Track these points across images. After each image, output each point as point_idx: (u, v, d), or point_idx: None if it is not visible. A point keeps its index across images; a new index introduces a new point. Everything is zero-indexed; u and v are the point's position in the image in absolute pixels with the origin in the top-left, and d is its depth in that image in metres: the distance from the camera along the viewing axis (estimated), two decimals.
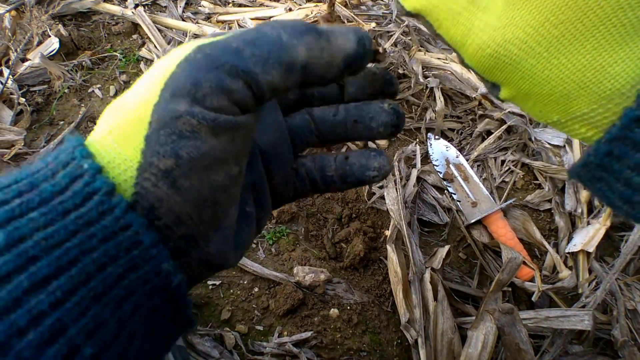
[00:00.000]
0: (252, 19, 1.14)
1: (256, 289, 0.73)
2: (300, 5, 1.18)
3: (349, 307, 0.72)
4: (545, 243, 0.80)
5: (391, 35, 1.09)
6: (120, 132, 0.18)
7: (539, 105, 0.21)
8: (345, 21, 1.06)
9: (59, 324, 0.15)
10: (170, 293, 0.19)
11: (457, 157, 0.91)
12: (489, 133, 0.96)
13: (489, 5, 0.20)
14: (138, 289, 0.17)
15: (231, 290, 0.73)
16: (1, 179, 0.17)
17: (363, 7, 1.12)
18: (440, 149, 0.92)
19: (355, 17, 1.04)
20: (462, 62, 0.23)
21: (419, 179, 0.88)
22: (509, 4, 0.19)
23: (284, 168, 0.27)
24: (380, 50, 0.24)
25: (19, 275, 0.15)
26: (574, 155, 0.90)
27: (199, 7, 1.24)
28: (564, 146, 0.91)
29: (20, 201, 0.16)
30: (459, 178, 0.88)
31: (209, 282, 0.73)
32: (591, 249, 0.77)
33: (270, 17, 1.14)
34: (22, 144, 0.88)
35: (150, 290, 0.18)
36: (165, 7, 1.25)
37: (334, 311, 0.71)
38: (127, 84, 1.07)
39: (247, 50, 0.19)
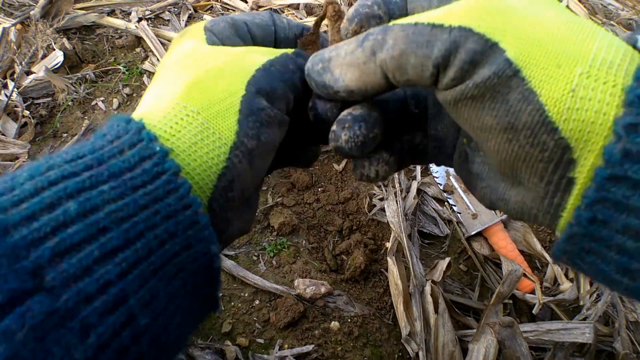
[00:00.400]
0: None
1: (257, 302, 0.73)
2: (301, 19, 1.20)
3: (349, 320, 0.72)
4: (546, 255, 0.80)
5: None
6: (213, 114, 0.21)
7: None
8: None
9: (122, 293, 0.16)
10: (211, 273, 0.20)
11: None
12: None
13: None
14: (187, 267, 0.19)
15: (232, 303, 0.73)
16: (60, 154, 0.18)
17: None
18: None
19: None
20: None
21: (419, 191, 0.89)
22: None
23: (305, 140, 0.31)
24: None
25: (89, 245, 0.15)
26: None
27: (202, 21, 1.26)
28: None
29: (90, 174, 0.17)
30: (459, 190, 0.89)
31: None
32: None
33: None
34: (26, 156, 0.89)
35: (197, 268, 0.19)
36: (168, 20, 1.27)
37: (334, 324, 0.71)
38: (130, 97, 1.09)
39: (297, 73, 0.26)
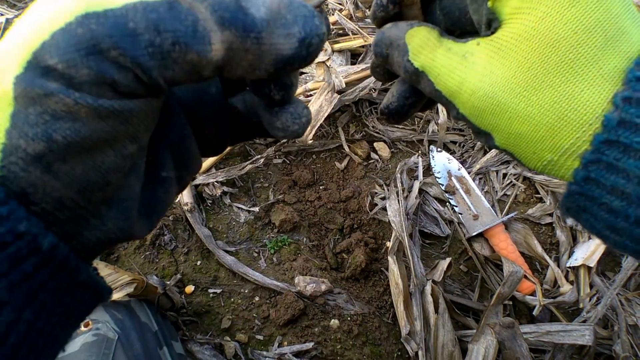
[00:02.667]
0: None
1: (257, 298, 0.73)
2: None
3: (349, 318, 0.72)
4: (547, 257, 0.80)
5: None
6: None
7: (530, 146, 0.21)
8: (351, 33, 1.08)
9: None
10: (42, 257, 0.16)
11: (459, 169, 0.91)
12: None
13: (477, 60, 0.23)
14: (31, 276, 0.16)
15: (232, 299, 0.73)
16: None
17: (367, 20, 1.14)
18: (442, 162, 0.92)
19: (359, 30, 1.06)
20: (455, 116, 0.25)
21: (421, 191, 0.88)
22: (490, 56, 0.22)
23: (213, 113, 0.24)
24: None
25: None
26: None
27: None
28: None
29: None
30: (461, 191, 0.89)
31: (210, 291, 0.73)
32: (592, 263, 0.78)
33: None
34: None
35: (15, 254, 0.16)
36: None
37: (334, 322, 0.71)
38: None
39: (146, 36, 0.15)
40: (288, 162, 0.93)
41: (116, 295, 0.57)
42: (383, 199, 0.87)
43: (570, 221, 0.85)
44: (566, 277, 0.79)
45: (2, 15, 1.17)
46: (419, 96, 0.29)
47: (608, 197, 0.19)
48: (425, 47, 0.25)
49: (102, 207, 0.19)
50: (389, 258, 0.76)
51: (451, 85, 0.24)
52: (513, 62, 0.21)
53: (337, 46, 1.06)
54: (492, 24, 0.23)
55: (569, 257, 0.81)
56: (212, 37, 0.16)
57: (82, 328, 0.50)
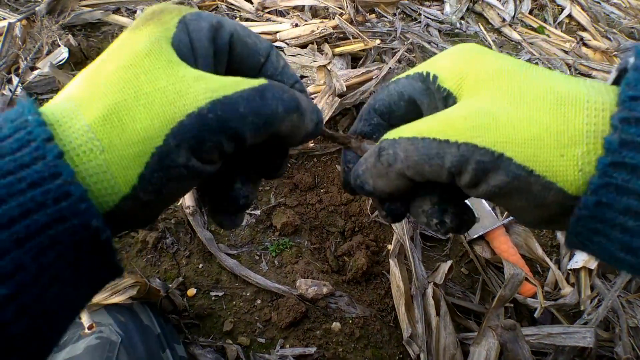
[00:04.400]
0: (258, 33, 1.16)
1: (259, 301, 0.73)
2: (306, 21, 1.20)
3: (351, 321, 0.72)
4: (547, 259, 0.80)
5: (395, 52, 1.11)
6: (116, 158, 0.19)
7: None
8: (351, 37, 1.08)
9: None
10: (97, 245, 0.19)
11: None
12: None
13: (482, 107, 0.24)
14: (64, 240, 0.18)
15: (234, 302, 0.73)
16: None
17: (368, 24, 1.14)
18: None
19: (360, 34, 1.06)
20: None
21: None
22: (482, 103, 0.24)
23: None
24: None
25: None
26: None
27: None
28: None
29: None
30: None
31: (212, 294, 0.73)
32: (593, 266, 0.78)
33: (277, 32, 1.16)
34: None
35: (78, 241, 0.18)
36: None
37: (336, 325, 0.71)
38: None
39: (249, 118, 0.21)
40: (289, 165, 0.94)
41: (119, 299, 0.57)
42: None
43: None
44: (567, 280, 0.79)
45: (4, 19, 1.18)
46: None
47: (621, 218, 0.19)
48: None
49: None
50: (391, 261, 0.76)
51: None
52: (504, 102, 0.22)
53: (337, 50, 1.06)
54: (448, 102, 0.25)
55: (570, 259, 0.81)
56: (284, 117, 0.23)
57: (86, 331, 0.50)
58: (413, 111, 0.28)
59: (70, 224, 0.18)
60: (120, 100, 0.20)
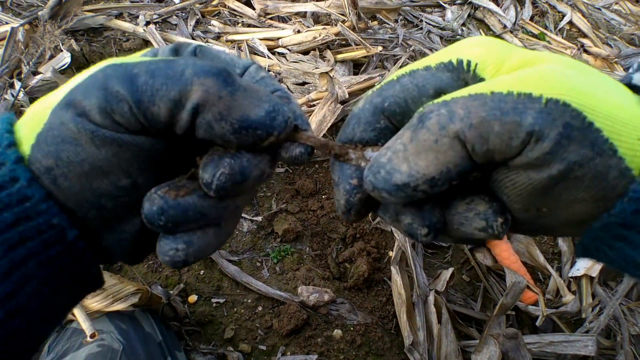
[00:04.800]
0: (260, 39, 1.16)
1: (260, 308, 0.73)
2: (308, 27, 1.21)
3: (352, 328, 0.72)
4: (549, 267, 0.80)
5: (397, 59, 1.11)
6: (28, 123, 0.21)
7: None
8: (353, 44, 1.08)
9: None
10: (66, 246, 0.20)
11: None
12: None
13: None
14: (33, 237, 0.20)
15: (235, 309, 0.73)
16: None
17: (370, 31, 1.15)
18: None
19: (362, 40, 1.07)
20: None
21: None
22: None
23: None
24: (303, 136, 0.23)
25: None
26: None
27: (209, 26, 1.27)
28: None
29: None
30: None
31: (213, 300, 0.73)
32: (594, 273, 0.78)
33: (279, 38, 1.17)
34: None
35: (47, 240, 0.20)
36: (175, 25, 1.27)
37: (337, 332, 0.71)
38: None
39: (142, 78, 0.19)
40: (291, 171, 0.94)
41: (121, 306, 0.57)
42: None
43: None
44: (568, 287, 0.79)
45: (7, 24, 1.18)
46: None
47: None
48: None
49: (100, 229, 0.22)
50: (392, 268, 0.76)
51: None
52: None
53: (339, 56, 1.07)
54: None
55: (571, 267, 0.81)
56: (194, 81, 0.19)
57: (88, 339, 0.50)
58: None
59: (36, 222, 0.20)
60: (55, 92, 0.22)
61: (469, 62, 0.22)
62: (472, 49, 0.22)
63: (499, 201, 0.21)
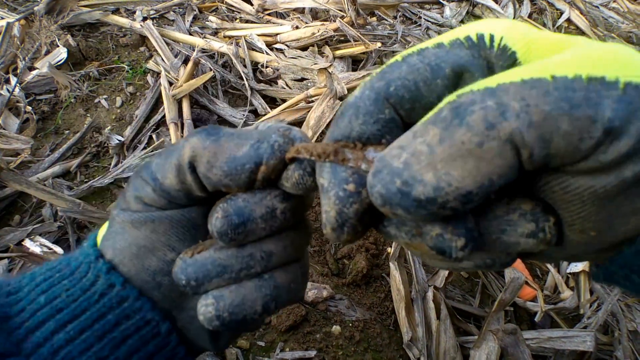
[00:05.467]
0: (258, 35, 1.16)
1: None
2: (306, 23, 1.20)
3: (351, 324, 0.72)
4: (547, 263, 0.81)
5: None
6: (102, 234, 0.25)
7: None
8: (352, 40, 1.08)
9: (69, 356, 0.21)
10: (162, 341, 0.23)
11: None
12: None
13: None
14: (133, 334, 0.23)
15: None
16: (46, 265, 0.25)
17: (368, 27, 1.15)
18: None
19: (361, 36, 1.06)
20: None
21: None
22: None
23: None
24: (292, 149, 0.20)
25: (49, 321, 0.22)
26: None
27: (207, 22, 1.26)
28: None
29: (57, 275, 0.24)
30: None
31: None
32: None
33: (277, 34, 1.16)
34: (29, 152, 0.89)
35: (144, 336, 0.23)
36: (173, 20, 1.27)
37: (336, 328, 0.71)
38: (133, 96, 1.09)
39: (155, 161, 0.23)
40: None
41: None
42: None
43: None
44: (566, 283, 0.79)
45: (3, 19, 1.17)
46: None
47: None
48: None
49: (173, 310, 0.24)
50: (391, 264, 0.76)
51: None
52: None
53: (338, 53, 1.06)
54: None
55: (569, 263, 0.81)
56: (184, 145, 0.22)
57: None
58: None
59: (135, 320, 0.23)
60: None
61: (492, 36, 0.18)
62: (491, 24, 0.19)
63: (542, 199, 0.17)
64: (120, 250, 0.23)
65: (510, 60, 0.17)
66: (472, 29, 0.19)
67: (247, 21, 1.28)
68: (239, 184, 0.21)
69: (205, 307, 0.21)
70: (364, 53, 1.09)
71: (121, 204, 0.24)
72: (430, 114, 0.16)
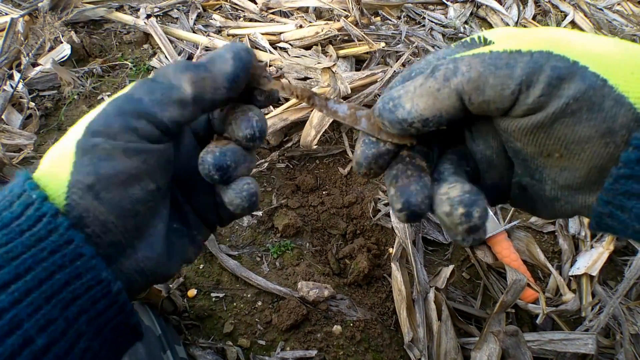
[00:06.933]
0: (262, 34, 1.16)
1: (260, 303, 0.73)
2: (310, 22, 1.20)
3: (352, 324, 0.72)
4: (549, 265, 0.80)
5: (400, 56, 1.11)
6: (55, 163, 0.23)
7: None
8: (356, 40, 1.08)
9: (16, 319, 0.19)
10: (111, 299, 0.23)
11: None
12: None
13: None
14: (83, 295, 0.22)
15: (234, 304, 0.73)
16: None
17: (372, 27, 1.14)
18: None
19: (365, 36, 1.06)
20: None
21: None
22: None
23: (200, 196, 0.31)
24: (262, 73, 0.27)
25: None
26: None
27: (210, 20, 1.26)
28: None
29: None
30: None
31: (212, 295, 0.73)
32: (594, 272, 0.78)
33: (281, 33, 1.16)
34: (31, 148, 0.89)
35: (94, 296, 0.22)
36: (176, 18, 1.27)
37: (337, 328, 0.71)
38: None
39: (146, 98, 0.24)
40: (291, 166, 0.93)
41: None
42: (386, 205, 0.87)
43: (573, 230, 0.85)
44: (568, 286, 0.79)
45: (7, 15, 1.17)
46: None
47: None
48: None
49: (134, 240, 0.25)
50: (392, 264, 0.76)
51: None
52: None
53: (342, 52, 1.06)
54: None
55: (572, 265, 0.81)
56: (182, 82, 0.25)
57: None
58: None
59: (86, 279, 0.22)
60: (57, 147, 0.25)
61: (486, 39, 0.24)
62: (494, 31, 0.25)
63: (480, 195, 0.22)
64: (105, 177, 0.23)
65: None
66: (474, 35, 0.26)
67: (250, 20, 1.28)
68: (239, 90, 0.26)
69: (248, 185, 0.27)
70: (367, 53, 1.09)
71: (102, 134, 0.23)
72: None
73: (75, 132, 0.24)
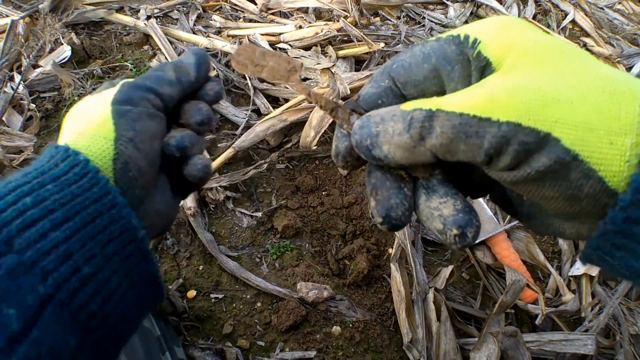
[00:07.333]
0: (262, 34, 1.16)
1: (259, 304, 0.73)
2: (310, 23, 1.20)
3: (351, 325, 0.72)
4: (549, 265, 0.80)
5: None
6: (95, 128, 0.29)
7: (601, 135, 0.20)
8: (355, 40, 1.08)
9: (68, 251, 0.24)
10: (137, 245, 0.27)
11: None
12: None
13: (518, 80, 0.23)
14: (117, 237, 0.26)
15: (234, 305, 0.73)
16: (17, 173, 0.27)
17: (372, 27, 1.14)
18: None
19: (364, 37, 1.06)
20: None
21: None
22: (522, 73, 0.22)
23: (171, 172, 0.37)
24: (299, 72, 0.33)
25: (42, 221, 0.24)
26: None
27: (210, 21, 1.26)
28: None
29: (37, 181, 0.25)
30: None
31: (212, 296, 0.73)
32: (594, 272, 0.78)
33: (280, 34, 1.16)
34: (32, 150, 0.89)
35: (125, 240, 0.26)
36: (177, 19, 1.27)
37: (336, 329, 0.71)
38: None
39: (148, 81, 0.33)
40: (291, 167, 0.94)
41: None
42: None
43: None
44: (568, 286, 0.79)
45: (7, 16, 1.17)
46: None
47: None
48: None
49: (153, 186, 0.32)
50: (392, 265, 0.76)
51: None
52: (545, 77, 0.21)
53: (341, 53, 1.06)
54: (484, 72, 0.23)
55: (571, 265, 0.81)
56: (167, 71, 0.34)
57: None
58: (434, 78, 0.25)
59: (119, 225, 0.26)
60: (85, 120, 0.31)
61: (475, 40, 0.24)
62: (483, 27, 0.24)
63: (473, 212, 0.24)
64: (140, 132, 0.30)
65: (483, 62, 0.23)
66: (465, 29, 0.25)
67: (250, 20, 1.28)
68: (202, 75, 0.36)
69: (206, 159, 0.34)
70: (367, 53, 1.09)
71: (129, 103, 0.31)
72: (408, 110, 0.24)
73: (102, 104, 0.31)
